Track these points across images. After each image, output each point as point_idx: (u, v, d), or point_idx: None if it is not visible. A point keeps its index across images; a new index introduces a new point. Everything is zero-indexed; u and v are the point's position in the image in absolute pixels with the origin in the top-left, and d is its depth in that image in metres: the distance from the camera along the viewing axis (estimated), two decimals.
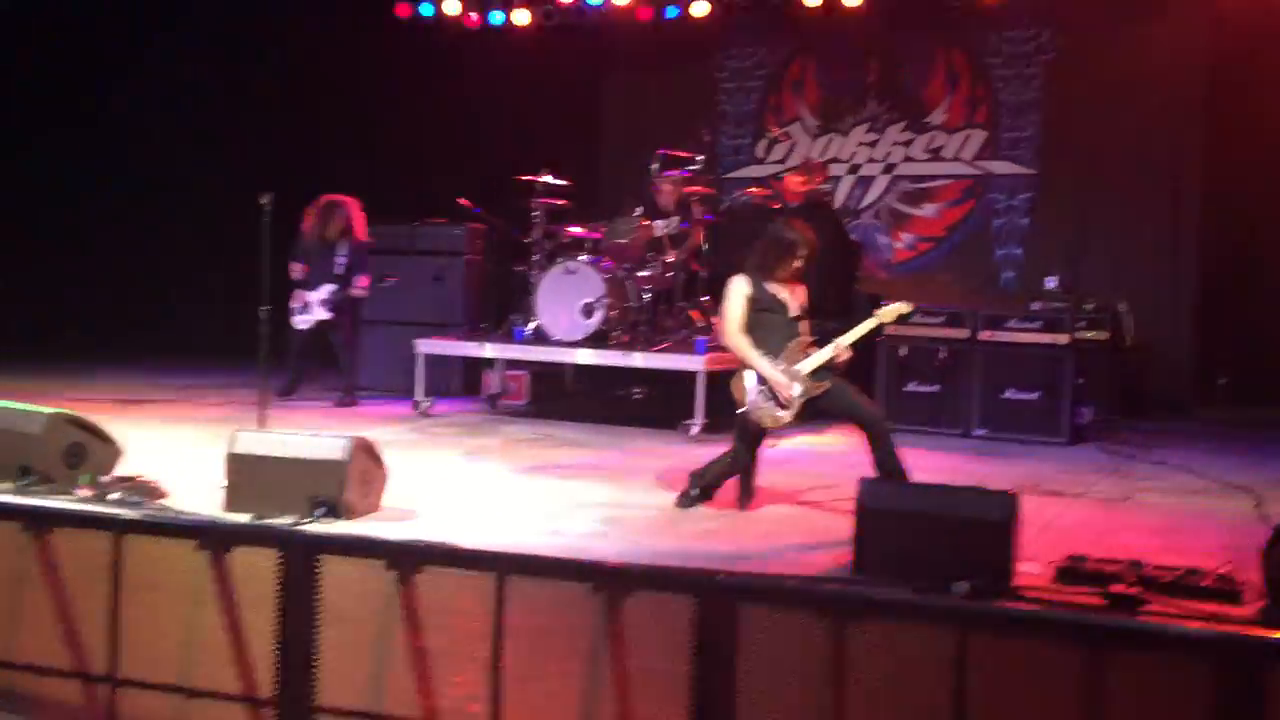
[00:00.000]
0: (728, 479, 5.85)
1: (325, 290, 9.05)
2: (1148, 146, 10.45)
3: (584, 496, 5.91)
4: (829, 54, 11.74)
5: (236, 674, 3.66)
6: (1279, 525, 4.27)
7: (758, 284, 5.80)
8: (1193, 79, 10.35)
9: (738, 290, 5.80)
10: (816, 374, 5.64)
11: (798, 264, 5.78)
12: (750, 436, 5.79)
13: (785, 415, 5.66)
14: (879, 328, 6.01)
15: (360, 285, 9.04)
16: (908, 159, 11.42)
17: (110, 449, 5.55)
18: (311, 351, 9.35)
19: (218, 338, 11.00)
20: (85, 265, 12.07)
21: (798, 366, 5.64)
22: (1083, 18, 10.50)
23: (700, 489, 5.81)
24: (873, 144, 11.58)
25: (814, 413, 5.73)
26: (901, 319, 5.93)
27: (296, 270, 9.15)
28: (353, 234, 9.16)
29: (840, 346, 5.66)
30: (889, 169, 11.52)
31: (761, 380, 5.64)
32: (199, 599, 3.81)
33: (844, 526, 4.67)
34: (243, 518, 4.88)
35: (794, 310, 5.79)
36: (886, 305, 5.84)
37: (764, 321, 5.76)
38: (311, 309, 9.07)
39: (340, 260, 9.09)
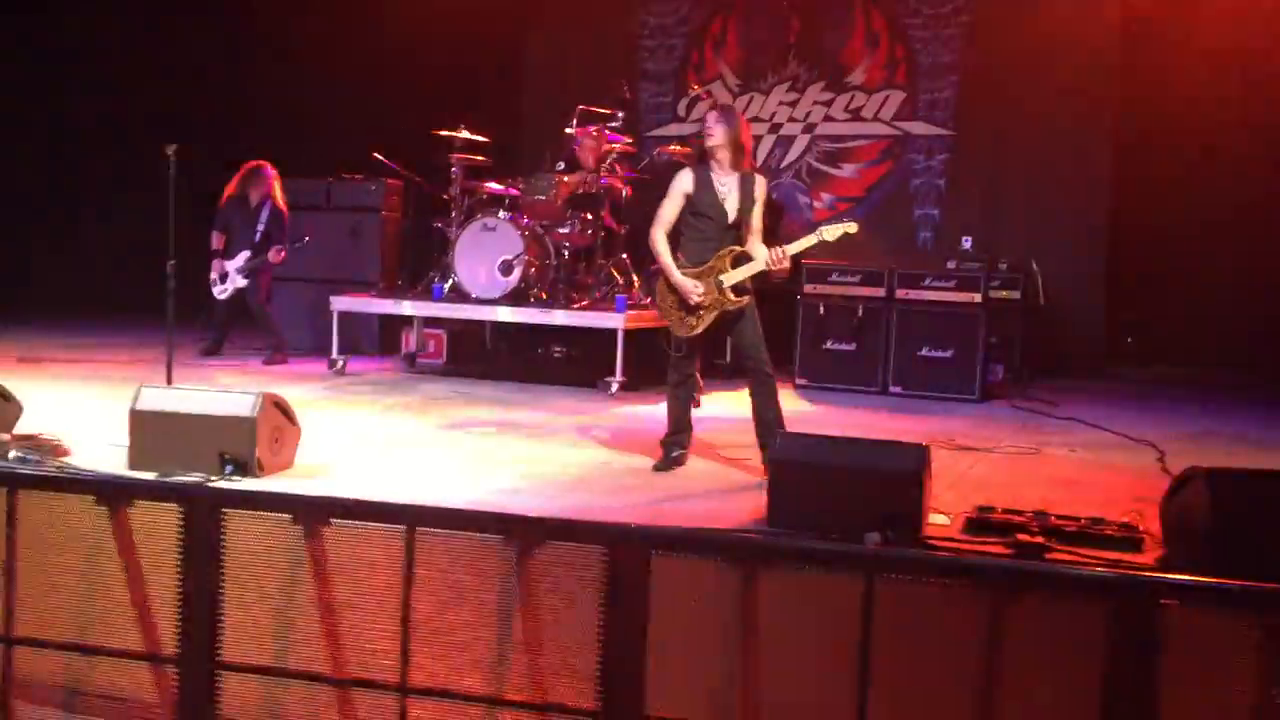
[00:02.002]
0: (683, 406, 5.77)
1: (241, 258, 9.03)
2: (1062, 109, 10.60)
3: (501, 453, 5.87)
4: (750, 12, 11.71)
5: (139, 632, 3.58)
6: (1178, 477, 4.39)
7: (703, 179, 5.62)
8: (1107, 44, 10.51)
9: (677, 186, 5.65)
10: (738, 288, 5.54)
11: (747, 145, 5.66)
12: (671, 346, 5.72)
13: (695, 323, 5.59)
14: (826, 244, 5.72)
15: (276, 255, 8.95)
16: (828, 119, 11.46)
17: (10, 406, 5.38)
18: (238, 313, 9.24)
19: (126, 295, 10.74)
20: None
21: (721, 277, 5.52)
22: None
23: (671, 438, 5.73)
24: (793, 103, 11.60)
25: (727, 329, 5.65)
26: (846, 237, 5.62)
27: (216, 240, 9.16)
28: (272, 200, 9.10)
29: (775, 257, 5.46)
30: (809, 129, 11.55)
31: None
32: (99, 556, 3.72)
33: (758, 479, 4.70)
34: (148, 475, 4.77)
35: (733, 216, 5.60)
36: (831, 225, 5.63)
37: (697, 226, 5.63)
38: (230, 278, 9.05)
39: (260, 227, 9.08)
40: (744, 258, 5.57)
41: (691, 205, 5.62)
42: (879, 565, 3.06)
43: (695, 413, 7.16)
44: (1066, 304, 10.21)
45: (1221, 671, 3.22)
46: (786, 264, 5.53)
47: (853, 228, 5.63)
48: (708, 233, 5.62)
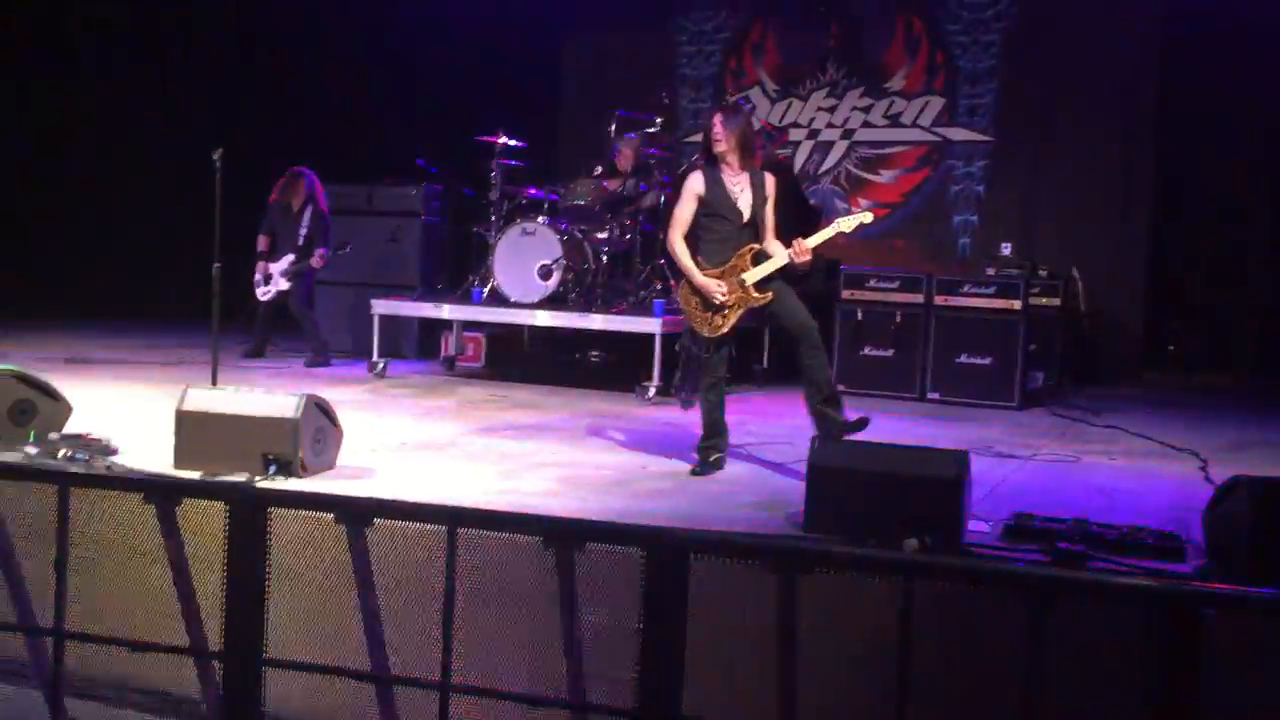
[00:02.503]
0: (714, 420, 5.75)
1: (285, 261, 9.14)
2: (1103, 116, 10.55)
3: (538, 456, 5.91)
4: (789, 18, 11.72)
5: (185, 628, 3.64)
6: (1221, 487, 4.36)
7: (713, 182, 5.63)
8: (1149, 50, 10.44)
9: (689, 188, 5.67)
10: (762, 284, 5.55)
11: (757, 150, 5.69)
12: (696, 348, 5.74)
13: (720, 323, 5.60)
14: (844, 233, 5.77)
15: (318, 257, 9.05)
16: (866, 124, 11.46)
17: (59, 406, 5.48)
18: (280, 315, 9.36)
19: (174, 297, 10.90)
20: (38, 225, 11.87)
21: (744, 275, 5.55)
22: None
23: (708, 442, 5.72)
24: (831, 109, 11.60)
25: (767, 319, 5.69)
26: (861, 227, 5.71)
27: (262, 242, 9.30)
28: (316, 204, 9.23)
29: (796, 250, 5.46)
30: (848, 134, 11.54)
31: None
32: (147, 554, 3.78)
33: (796, 486, 4.71)
34: (193, 475, 4.85)
35: (747, 214, 5.61)
36: (846, 216, 5.69)
37: (713, 227, 5.64)
38: (274, 280, 9.16)
39: (303, 231, 9.19)
40: (764, 255, 5.60)
41: (705, 207, 5.64)
42: (918, 571, 3.05)
43: (730, 409, 7.19)
44: (1107, 311, 10.16)
45: (1265, 682, 3.20)
46: (807, 256, 5.53)
47: (868, 217, 5.73)
48: (725, 233, 5.63)
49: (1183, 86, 10.17)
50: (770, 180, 5.70)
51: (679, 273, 8.94)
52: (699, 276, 5.60)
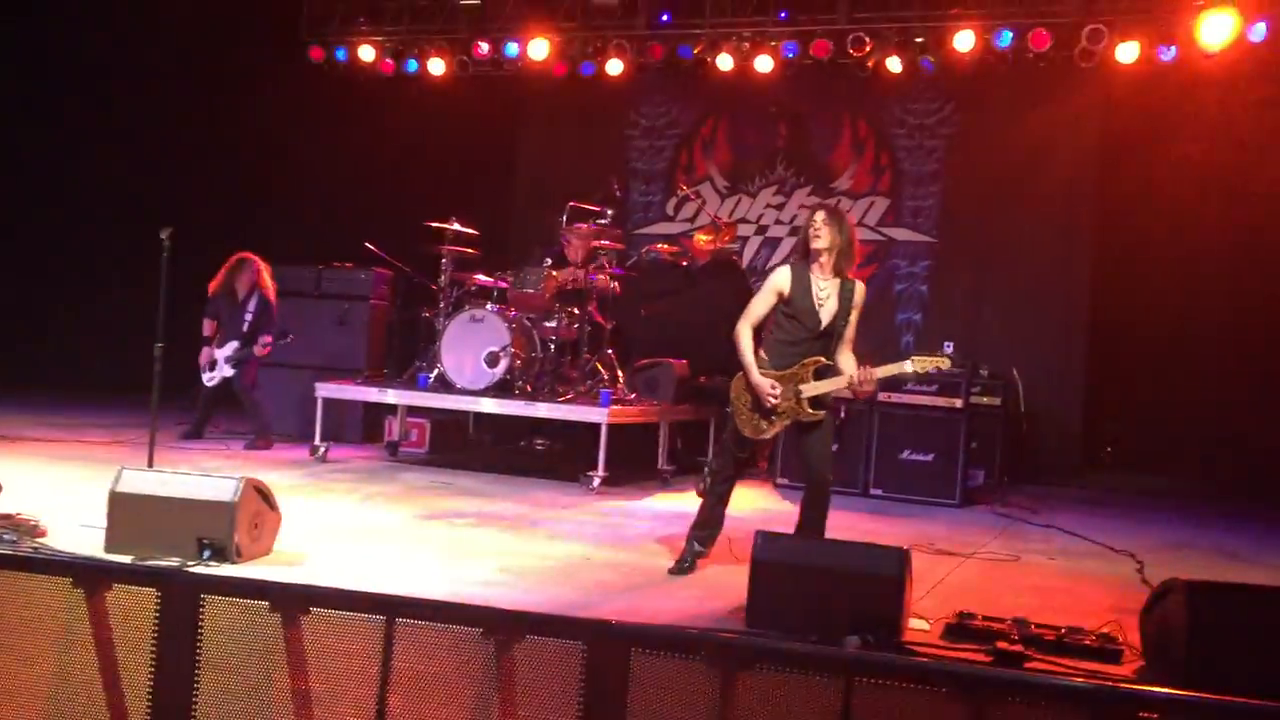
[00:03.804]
0: (713, 511, 5.58)
1: (230, 347, 9.06)
2: (1044, 219, 10.84)
3: (482, 545, 5.85)
4: (740, 117, 11.98)
5: (109, 717, 3.53)
6: (1157, 589, 4.41)
7: (801, 280, 5.34)
8: (1086, 159, 10.79)
9: (773, 282, 5.39)
10: (816, 401, 5.33)
11: (853, 250, 5.36)
12: (733, 443, 5.54)
13: (765, 427, 5.39)
14: (914, 374, 5.63)
15: (263, 345, 8.98)
16: None
17: None
18: (222, 397, 9.25)
19: (112, 375, 10.73)
20: None
21: (801, 386, 5.32)
22: (983, 94, 10.89)
23: (698, 539, 5.56)
24: (780, 206, 11.81)
25: (799, 432, 5.41)
26: (939, 370, 5.52)
27: (208, 327, 9.23)
28: (261, 291, 9.19)
29: (862, 378, 5.24)
30: (795, 232, 11.71)
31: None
32: (74, 640, 3.68)
33: (741, 579, 4.69)
34: (124, 559, 4.74)
35: (825, 323, 5.33)
36: (924, 355, 5.52)
37: (786, 327, 5.38)
38: (218, 366, 9.10)
39: (248, 318, 9.14)
40: (828, 370, 5.35)
41: (785, 305, 5.36)
42: (858, 669, 3.05)
43: (673, 506, 7.18)
44: (1046, 412, 10.32)
45: None
46: (871, 388, 5.35)
47: (945, 363, 5.49)
48: (796, 336, 5.37)
49: (1123, 187, 10.48)
50: (860, 291, 5.41)
51: (632, 365, 9.09)
52: (756, 374, 5.33)
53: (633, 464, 8.55)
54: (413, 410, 9.36)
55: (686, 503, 7.56)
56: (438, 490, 7.62)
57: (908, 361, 5.40)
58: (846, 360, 5.41)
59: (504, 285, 9.02)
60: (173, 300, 6.46)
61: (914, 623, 4.54)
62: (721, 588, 5.15)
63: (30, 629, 3.74)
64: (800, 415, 5.35)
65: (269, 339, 9.00)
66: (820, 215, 5.38)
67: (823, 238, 5.32)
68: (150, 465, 6.14)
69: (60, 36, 11.58)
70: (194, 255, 8.79)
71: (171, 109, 11.67)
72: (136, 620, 3.51)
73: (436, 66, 11.51)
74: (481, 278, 9.13)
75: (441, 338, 8.72)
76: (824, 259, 5.34)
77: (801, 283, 5.35)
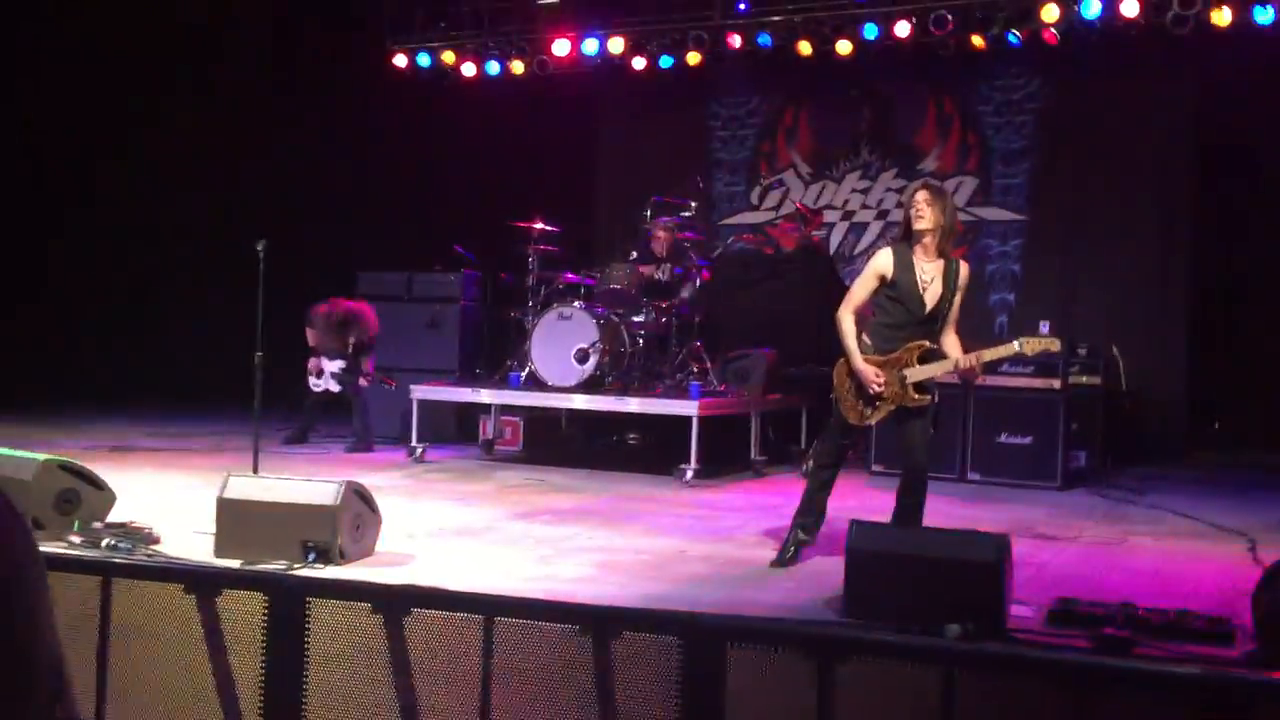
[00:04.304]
0: (816, 499, 5.49)
1: (336, 365, 9.23)
2: (1137, 193, 10.56)
3: (576, 541, 5.90)
4: (821, 102, 11.87)
5: (224, 719, 3.65)
6: (1270, 568, 4.28)
7: (904, 262, 5.18)
8: (1181, 127, 10.48)
9: (874, 265, 5.25)
10: (921, 386, 5.18)
11: (955, 230, 5.19)
12: (837, 430, 5.43)
13: (870, 414, 5.26)
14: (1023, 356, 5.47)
15: (364, 377, 9.19)
16: (900, 205, 11.48)
17: (103, 495, 5.54)
18: (327, 404, 9.48)
19: (215, 385, 11.05)
20: (82, 310, 12.12)
21: (906, 371, 5.17)
22: (1072, 67, 10.63)
23: (801, 527, 5.48)
24: (865, 191, 11.69)
25: (897, 421, 5.28)
26: (1048, 354, 5.41)
27: (311, 337, 9.46)
28: (371, 340, 9.44)
29: (969, 362, 5.11)
30: (882, 215, 11.61)
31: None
32: (186, 644, 3.80)
33: (836, 570, 4.66)
34: (233, 563, 4.88)
35: (930, 307, 5.18)
36: (1033, 337, 5.29)
37: (889, 311, 5.24)
38: (325, 377, 9.33)
39: (350, 340, 9.36)
40: (933, 354, 5.21)
41: (888, 288, 5.21)
42: (959, 659, 3.01)
43: (763, 496, 7.16)
44: (1149, 389, 10.04)
45: None
46: (978, 372, 5.23)
47: (1055, 345, 5.33)
48: (899, 320, 5.23)
49: (1220, 158, 10.17)
50: (964, 272, 5.27)
51: (723, 356, 9.07)
52: (859, 360, 5.19)
53: (725, 456, 8.54)
54: (506, 409, 9.47)
55: (780, 493, 7.54)
56: (532, 487, 7.71)
57: (1016, 343, 5.22)
58: (951, 343, 5.28)
59: (591, 282, 9.08)
60: (269, 310, 6.62)
61: (1016, 609, 4.47)
62: (818, 578, 5.12)
63: (146, 635, 3.88)
64: (905, 401, 5.21)
65: (368, 376, 9.17)
66: (923, 195, 5.22)
67: (926, 218, 5.15)
68: (255, 471, 6.31)
69: (140, 42, 11.92)
70: (289, 266, 9.05)
71: (263, 122, 11.96)
72: (246, 624, 3.62)
73: (516, 67, 11.60)
74: (568, 275, 9.21)
75: (531, 336, 8.80)
76: (927, 240, 5.19)
77: (904, 265, 5.19)
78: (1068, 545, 6.16)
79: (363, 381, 9.21)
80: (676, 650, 3.20)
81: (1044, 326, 10.14)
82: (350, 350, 9.35)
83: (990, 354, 5.24)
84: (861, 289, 5.31)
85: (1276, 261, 10.03)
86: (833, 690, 3.12)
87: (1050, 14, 9.70)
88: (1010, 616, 4.34)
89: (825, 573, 5.10)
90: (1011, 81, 11.13)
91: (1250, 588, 4.32)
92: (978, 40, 10.19)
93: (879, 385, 5.19)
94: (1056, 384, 8.30)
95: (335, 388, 9.31)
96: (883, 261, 5.26)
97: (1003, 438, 8.34)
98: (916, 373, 5.19)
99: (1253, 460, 9.70)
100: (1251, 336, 10.21)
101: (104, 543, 5.03)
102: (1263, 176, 9.96)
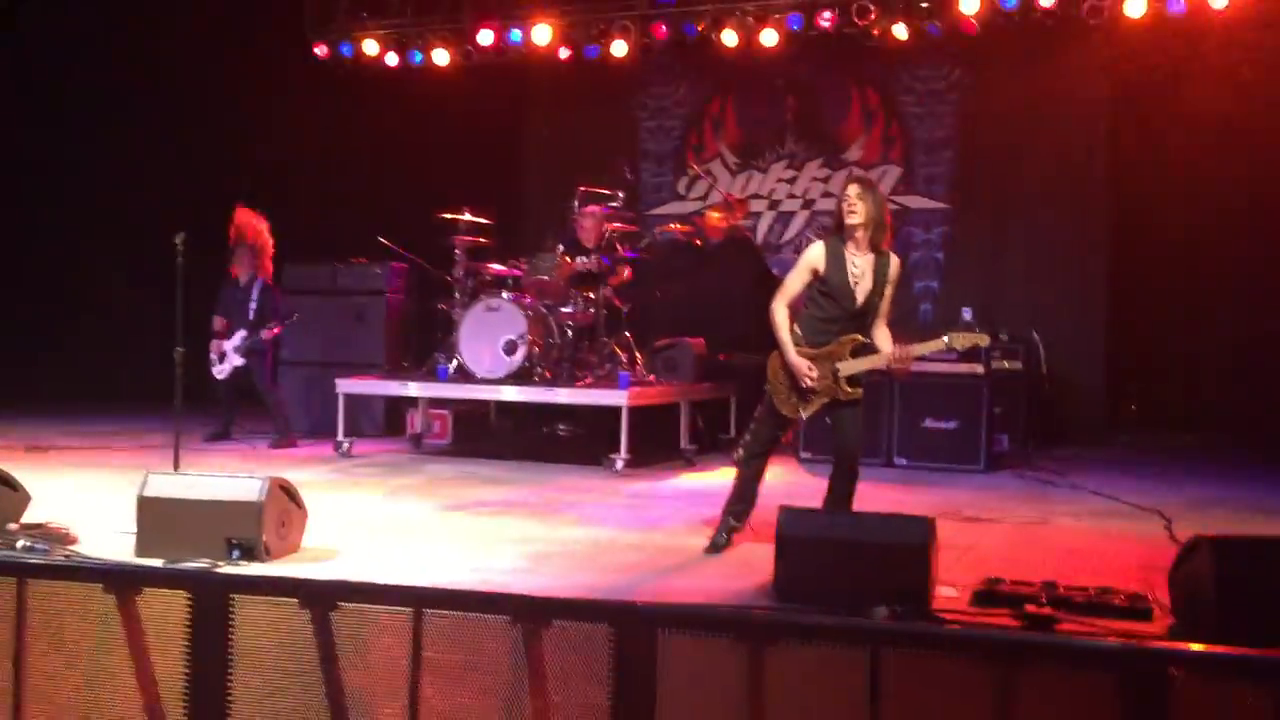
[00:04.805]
0: (748, 487, 5.53)
1: (238, 337, 9.09)
2: (1056, 180, 10.77)
3: (507, 533, 5.87)
4: (747, 92, 11.92)
5: None
6: (1185, 545, 4.39)
7: (836, 256, 5.26)
8: (1096, 116, 10.70)
9: (806, 259, 5.33)
10: (854, 379, 5.27)
11: (885, 227, 5.25)
12: (769, 421, 5.48)
13: (802, 407, 5.34)
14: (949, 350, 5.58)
15: (269, 332, 9.03)
16: (826, 194, 11.62)
17: (17, 496, 5.39)
18: (242, 394, 9.30)
19: (134, 382, 10.82)
20: None
21: (839, 364, 5.26)
22: (991, 57, 10.80)
23: (733, 514, 5.52)
24: (791, 180, 11.77)
25: (828, 412, 5.35)
26: (977, 347, 5.56)
27: (217, 323, 9.26)
28: (263, 277, 9.26)
29: (898, 355, 5.24)
30: (808, 204, 11.71)
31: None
32: (107, 645, 3.72)
33: (766, 556, 4.70)
34: (155, 562, 4.78)
35: (861, 300, 5.27)
36: (960, 332, 5.48)
37: (821, 304, 5.32)
38: (227, 357, 9.11)
39: (252, 306, 9.16)
40: (865, 348, 5.31)
41: (820, 283, 5.30)
42: (887, 639, 3.06)
43: (696, 484, 7.20)
44: (1069, 372, 10.25)
45: None
46: (909, 365, 5.32)
47: (984, 340, 5.48)
48: (830, 313, 5.32)
49: (1134, 147, 10.40)
50: (895, 265, 5.36)
51: (650, 346, 9.08)
52: (793, 354, 5.28)
53: (655, 445, 8.56)
54: (434, 402, 9.40)
55: (710, 482, 7.58)
56: (462, 480, 7.66)
57: (945, 337, 5.37)
58: (883, 337, 5.37)
59: (518, 273, 9.03)
60: (189, 305, 6.49)
61: (942, 590, 4.54)
62: (748, 565, 5.16)
63: (64, 636, 3.79)
64: (838, 394, 5.30)
65: (276, 326, 9.04)
66: (854, 189, 5.30)
67: (858, 212, 5.24)
68: (176, 468, 6.18)
69: (62, 41, 11.62)
70: (208, 258, 8.88)
71: (178, 112, 11.70)
72: (169, 623, 3.55)
73: (440, 57, 11.48)
74: (496, 267, 9.15)
75: (459, 328, 8.74)
76: (859, 234, 5.27)
77: (836, 259, 5.28)
78: (992, 526, 6.27)
79: (270, 333, 9.01)
80: (608, 638, 3.21)
81: (966, 313, 10.32)
82: (249, 295, 9.12)
83: (920, 349, 5.35)
84: (795, 282, 5.39)
85: (1189, 248, 10.29)
86: (764, 673, 3.14)
87: (969, 5, 9.84)
88: (936, 597, 4.41)
89: (756, 559, 5.13)
90: (933, 71, 11.27)
91: (1167, 565, 4.43)
92: (900, 31, 10.30)
93: (812, 380, 5.26)
94: (980, 369, 8.43)
95: (239, 361, 9.10)
96: (815, 255, 5.33)
97: (928, 422, 8.46)
98: (849, 366, 5.29)
99: (1168, 441, 9.96)
100: (1166, 321, 10.47)
101: (19, 544, 4.89)
102: (1176, 165, 10.21)
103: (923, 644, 3.10)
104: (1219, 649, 3.17)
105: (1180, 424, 10.26)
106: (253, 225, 9.29)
